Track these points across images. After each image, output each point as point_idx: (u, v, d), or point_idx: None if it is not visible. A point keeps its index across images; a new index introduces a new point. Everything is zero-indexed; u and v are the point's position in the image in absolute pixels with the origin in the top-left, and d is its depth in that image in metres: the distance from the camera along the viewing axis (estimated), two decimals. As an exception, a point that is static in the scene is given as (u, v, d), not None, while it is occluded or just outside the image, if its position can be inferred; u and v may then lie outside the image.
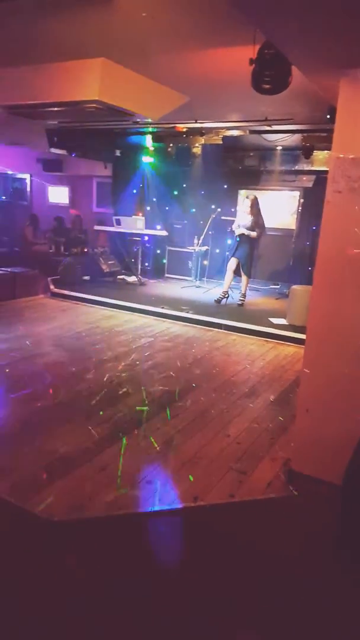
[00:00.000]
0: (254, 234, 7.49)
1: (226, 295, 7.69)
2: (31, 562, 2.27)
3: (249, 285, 7.90)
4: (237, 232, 7.53)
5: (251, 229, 7.47)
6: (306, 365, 3.03)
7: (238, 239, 7.56)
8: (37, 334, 5.89)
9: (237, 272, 7.73)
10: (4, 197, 12.35)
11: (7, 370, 4.64)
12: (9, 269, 8.02)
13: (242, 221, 7.56)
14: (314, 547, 2.52)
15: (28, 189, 12.59)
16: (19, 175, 12.50)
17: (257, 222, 7.52)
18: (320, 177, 8.25)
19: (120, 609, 2.02)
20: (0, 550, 2.33)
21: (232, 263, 7.71)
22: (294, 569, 2.34)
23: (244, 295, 7.79)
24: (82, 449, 3.26)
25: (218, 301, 7.67)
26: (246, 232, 7.46)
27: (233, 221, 9.17)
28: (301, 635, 1.99)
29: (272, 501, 2.88)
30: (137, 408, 3.95)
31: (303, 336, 3.08)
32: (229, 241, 9.08)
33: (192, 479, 2.97)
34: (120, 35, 3.84)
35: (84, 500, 2.71)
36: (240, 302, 7.71)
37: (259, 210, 7.57)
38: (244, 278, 7.74)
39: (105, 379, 4.55)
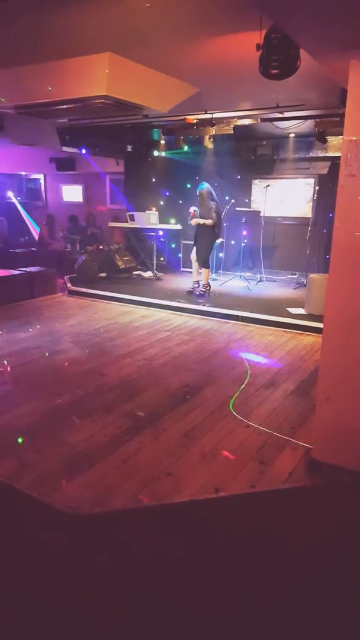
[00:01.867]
0: (209, 221, 7.39)
1: (195, 286, 7.67)
2: (55, 556, 2.29)
3: (257, 276, 7.85)
4: (193, 222, 7.50)
5: (204, 217, 7.41)
6: (325, 353, 3.00)
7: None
8: (57, 332, 5.95)
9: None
10: (19, 198, 12.46)
11: (28, 367, 4.70)
12: (26, 269, 8.12)
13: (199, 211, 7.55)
14: (338, 537, 2.49)
15: (42, 188, 12.71)
16: (33, 176, 12.61)
17: (209, 210, 7.41)
18: (335, 163, 8.11)
19: (145, 600, 2.04)
20: (24, 545, 2.37)
21: (194, 253, 7.72)
22: (317, 559, 2.32)
23: (205, 286, 7.61)
24: (103, 442, 3.29)
25: (189, 292, 7.61)
26: (201, 221, 7.40)
27: (247, 212, 9.13)
28: (324, 627, 1.98)
29: (293, 491, 2.86)
30: (156, 401, 3.96)
31: (322, 325, 3.03)
32: (244, 232, 9.02)
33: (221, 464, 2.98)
34: (125, 28, 3.82)
35: (106, 494, 2.73)
36: (201, 292, 7.57)
37: (209, 199, 7.44)
38: (202, 270, 7.66)
39: (124, 373, 4.57)
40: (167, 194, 10.00)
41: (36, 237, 11.44)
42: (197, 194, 7.52)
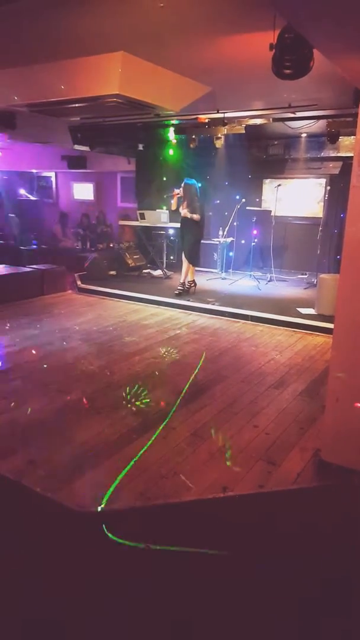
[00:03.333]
0: (196, 216, 7.35)
1: (186, 287, 7.60)
2: (63, 553, 2.31)
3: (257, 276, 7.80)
4: (182, 213, 7.45)
5: (192, 212, 7.37)
6: (335, 354, 2.99)
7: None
8: (66, 329, 5.98)
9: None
10: (29, 196, 12.53)
11: (38, 364, 4.73)
12: (36, 266, 8.17)
13: (182, 209, 7.50)
14: (346, 538, 2.48)
15: (54, 186, 12.76)
16: (45, 174, 12.67)
17: (199, 207, 7.38)
18: (347, 164, 8.06)
19: (153, 599, 2.05)
20: (33, 543, 2.39)
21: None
22: (325, 560, 2.32)
23: (183, 285, 7.56)
24: (112, 440, 3.31)
25: (178, 294, 7.49)
26: (189, 214, 7.37)
27: (258, 211, 9.11)
28: (330, 629, 1.98)
29: (302, 491, 2.86)
30: (165, 399, 3.97)
31: (332, 326, 3.02)
32: (255, 231, 9.00)
33: (229, 464, 2.98)
34: (138, 27, 3.83)
35: (113, 492, 2.74)
36: (177, 291, 7.50)
37: (192, 194, 7.39)
38: (185, 265, 7.59)
39: (133, 371, 4.59)
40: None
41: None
42: (186, 187, 7.39)
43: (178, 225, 9.30)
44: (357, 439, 2.90)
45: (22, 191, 12.43)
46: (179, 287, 7.57)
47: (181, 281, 7.64)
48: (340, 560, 2.32)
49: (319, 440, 3.24)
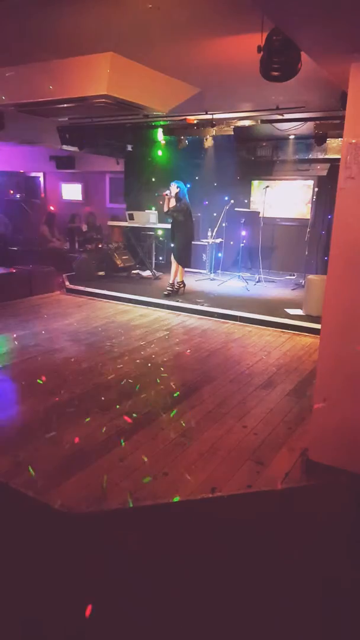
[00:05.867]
0: (181, 217, 7.37)
1: (176, 287, 7.62)
2: (51, 555, 2.30)
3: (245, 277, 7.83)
4: (171, 208, 7.43)
5: (179, 212, 7.39)
6: (322, 355, 3.01)
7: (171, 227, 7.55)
8: (54, 330, 5.95)
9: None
10: (18, 196, 12.45)
11: (25, 365, 4.70)
12: (24, 267, 8.11)
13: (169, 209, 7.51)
14: (334, 537, 2.51)
15: (42, 187, 12.69)
16: (33, 174, 12.60)
17: (183, 207, 7.39)
18: (335, 165, 8.15)
19: (139, 600, 2.05)
20: (20, 545, 2.37)
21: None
22: (313, 559, 2.33)
23: (172, 285, 7.58)
24: (99, 441, 3.30)
25: (167, 295, 7.48)
26: (175, 213, 7.39)
27: (246, 212, 9.14)
28: (312, 627, 1.99)
29: (290, 491, 2.88)
30: (154, 400, 3.97)
31: (320, 326, 3.05)
32: (243, 232, 9.04)
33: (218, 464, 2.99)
34: (127, 28, 3.83)
35: (102, 493, 2.74)
36: (166, 292, 7.51)
37: (184, 197, 7.43)
38: (174, 265, 7.60)
39: (121, 372, 4.58)
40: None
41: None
42: (176, 188, 7.38)
43: (167, 225, 9.31)
44: (344, 438, 2.92)
45: (10, 192, 12.34)
46: (168, 288, 7.58)
47: (170, 282, 7.64)
48: (329, 560, 2.34)
49: (307, 440, 3.26)
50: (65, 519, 2.55)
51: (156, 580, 2.15)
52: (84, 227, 10.93)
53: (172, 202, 7.44)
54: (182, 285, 7.69)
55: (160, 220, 9.15)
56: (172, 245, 7.69)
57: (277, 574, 2.23)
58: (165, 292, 7.50)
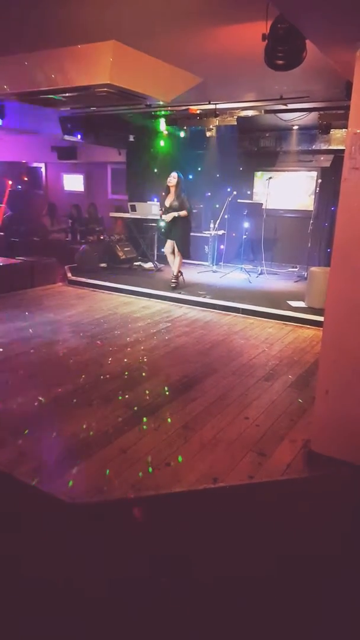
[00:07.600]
0: (183, 213, 7.32)
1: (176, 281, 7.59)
2: (54, 545, 2.31)
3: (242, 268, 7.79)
4: (168, 217, 7.36)
5: (180, 208, 7.32)
6: (325, 346, 3.00)
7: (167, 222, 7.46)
8: (56, 321, 5.95)
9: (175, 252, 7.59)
10: (19, 187, 12.40)
11: (27, 356, 4.71)
12: (26, 258, 8.10)
13: (168, 203, 7.40)
14: (335, 528, 2.52)
15: (43, 177, 12.64)
16: (34, 164, 12.54)
17: (184, 200, 7.33)
18: (339, 156, 8.09)
19: (143, 591, 2.06)
20: (24, 534, 2.39)
21: (168, 246, 7.63)
22: (315, 550, 2.34)
23: (177, 277, 7.56)
24: (102, 432, 3.31)
25: (174, 288, 7.46)
26: (176, 214, 7.32)
27: (249, 204, 9.09)
28: (315, 621, 2.00)
29: (292, 482, 2.88)
30: (156, 392, 3.97)
31: (322, 318, 3.04)
32: (246, 224, 9.00)
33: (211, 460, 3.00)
34: (130, 16, 3.78)
35: (105, 483, 2.75)
36: (173, 284, 7.48)
37: (182, 189, 7.37)
38: (178, 257, 7.56)
39: (124, 364, 4.59)
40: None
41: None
42: (173, 181, 7.31)
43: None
44: (346, 430, 2.93)
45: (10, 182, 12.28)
46: (173, 280, 7.55)
47: (174, 274, 7.62)
48: (329, 550, 2.35)
49: (308, 432, 3.27)
50: (68, 508, 2.56)
51: (158, 571, 2.17)
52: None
53: (171, 196, 7.39)
54: (180, 274, 7.67)
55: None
56: (167, 235, 7.59)
57: (278, 564, 2.24)
58: (172, 285, 7.47)
